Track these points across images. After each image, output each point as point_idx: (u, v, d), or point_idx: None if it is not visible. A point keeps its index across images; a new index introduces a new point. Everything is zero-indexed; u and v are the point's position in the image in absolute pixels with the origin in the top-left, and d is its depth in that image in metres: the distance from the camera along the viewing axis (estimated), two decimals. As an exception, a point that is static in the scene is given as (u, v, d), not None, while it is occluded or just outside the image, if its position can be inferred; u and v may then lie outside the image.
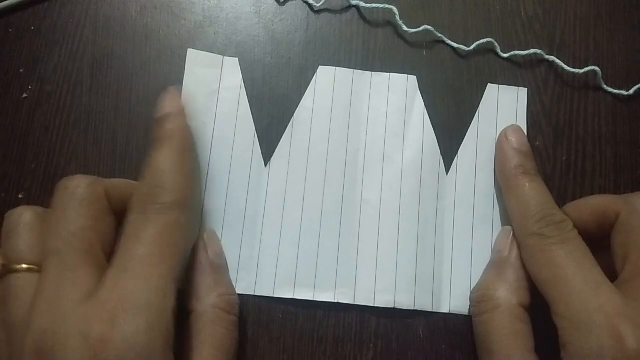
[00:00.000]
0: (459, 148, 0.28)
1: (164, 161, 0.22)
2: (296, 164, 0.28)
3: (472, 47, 0.29)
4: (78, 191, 0.22)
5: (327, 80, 0.29)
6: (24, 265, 0.21)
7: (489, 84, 0.29)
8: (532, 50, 0.29)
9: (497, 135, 0.28)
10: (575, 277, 0.21)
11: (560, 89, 0.29)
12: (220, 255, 0.26)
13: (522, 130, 0.27)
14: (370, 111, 0.28)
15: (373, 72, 0.29)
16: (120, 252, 0.21)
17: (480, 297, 0.24)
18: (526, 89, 0.29)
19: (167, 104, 0.25)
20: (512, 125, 0.28)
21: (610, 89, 0.29)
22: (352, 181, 0.27)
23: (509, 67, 0.29)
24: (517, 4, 0.30)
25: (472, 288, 0.26)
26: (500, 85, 0.29)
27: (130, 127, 0.28)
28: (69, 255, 0.20)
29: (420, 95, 0.29)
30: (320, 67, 0.29)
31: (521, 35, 0.30)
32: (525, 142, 0.27)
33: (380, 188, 0.27)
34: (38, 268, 0.21)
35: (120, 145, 0.28)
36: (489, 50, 0.29)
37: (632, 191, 0.28)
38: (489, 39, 0.29)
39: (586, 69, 0.29)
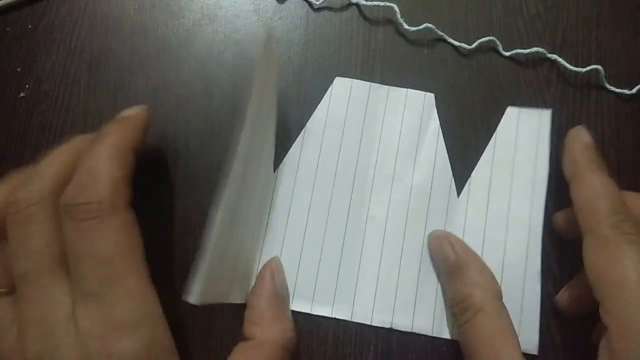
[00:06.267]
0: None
1: (96, 157, 0.21)
2: (304, 175, 0.27)
3: (473, 45, 0.29)
4: (30, 210, 0.20)
5: (343, 92, 0.28)
6: None
7: (508, 107, 0.28)
8: (534, 49, 0.29)
9: (515, 160, 0.27)
10: None
11: (562, 87, 0.29)
12: (285, 286, 0.26)
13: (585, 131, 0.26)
14: (384, 128, 0.28)
15: (390, 87, 0.28)
16: (79, 276, 0.19)
17: (460, 309, 0.24)
18: (550, 111, 0.28)
19: (126, 111, 0.24)
20: (580, 127, 0.26)
21: (612, 88, 0.29)
22: (359, 197, 0.27)
23: (510, 65, 0.29)
24: (519, 2, 0.30)
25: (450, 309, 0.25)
26: (520, 108, 0.28)
27: (128, 127, 0.28)
28: (41, 276, 0.20)
29: (436, 114, 0.28)
30: (336, 78, 0.28)
31: (523, 33, 0.30)
32: (594, 143, 0.26)
33: (387, 206, 0.27)
34: (5, 290, 0.20)
35: (118, 144, 0.28)
36: (490, 48, 0.29)
37: (635, 191, 0.27)
38: (490, 37, 0.29)
39: (589, 68, 0.28)
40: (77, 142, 0.23)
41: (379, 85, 0.28)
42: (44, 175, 0.21)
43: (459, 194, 0.27)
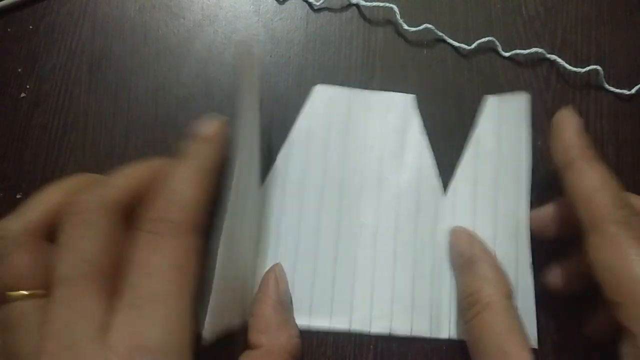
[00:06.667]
0: (457, 162, 0.27)
1: (179, 178, 0.21)
2: (292, 187, 0.27)
3: (473, 46, 0.29)
4: (90, 214, 0.19)
5: (323, 100, 0.28)
6: (24, 292, 0.19)
7: (486, 96, 0.28)
8: (534, 49, 0.29)
9: (498, 150, 0.27)
10: None
11: (561, 88, 0.29)
12: (288, 292, 0.25)
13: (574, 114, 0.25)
14: (367, 132, 0.28)
15: (370, 91, 0.28)
16: (129, 284, 0.19)
17: (468, 303, 0.23)
18: (528, 95, 0.27)
19: (204, 127, 0.23)
20: (568, 109, 0.25)
21: (612, 89, 0.29)
22: (348, 204, 0.27)
23: (510, 66, 0.29)
24: (518, 3, 0.30)
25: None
26: (499, 96, 0.28)
27: (129, 127, 0.28)
28: (81, 284, 0.18)
29: (418, 115, 0.28)
30: (316, 85, 0.28)
31: (522, 34, 0.30)
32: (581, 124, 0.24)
33: (376, 211, 0.27)
34: (42, 292, 0.19)
35: (119, 145, 0.28)
36: (490, 49, 0.29)
37: (635, 191, 0.27)
38: (490, 38, 0.29)
39: (588, 68, 0.29)
40: (155, 163, 0.22)
41: (359, 90, 0.28)
42: (112, 184, 0.21)
43: (445, 191, 0.27)
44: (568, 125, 0.24)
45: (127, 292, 0.19)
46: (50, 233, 0.20)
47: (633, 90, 0.29)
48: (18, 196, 0.27)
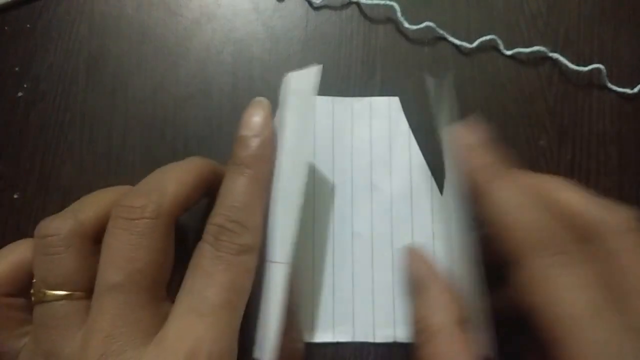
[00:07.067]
0: None
1: (242, 194, 0.20)
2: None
3: (474, 44, 0.29)
4: (144, 222, 0.19)
5: None
6: (63, 292, 0.19)
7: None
8: (536, 48, 0.28)
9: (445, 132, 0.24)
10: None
11: (564, 87, 0.29)
12: (295, 295, 0.25)
13: (471, 126, 0.22)
14: (354, 140, 0.27)
15: (353, 98, 0.28)
16: (189, 290, 0.19)
17: (417, 330, 0.22)
18: (450, 73, 0.23)
19: (254, 121, 0.21)
20: (461, 125, 0.23)
21: (614, 87, 0.29)
22: (341, 214, 0.26)
23: (512, 64, 0.29)
24: (520, 1, 0.30)
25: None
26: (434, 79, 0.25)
27: (126, 127, 0.28)
28: (132, 293, 0.18)
29: (404, 117, 0.28)
30: None
31: (524, 32, 0.29)
32: (482, 135, 0.22)
33: (370, 219, 0.26)
34: (81, 294, 0.19)
35: (116, 144, 0.28)
36: (491, 47, 0.29)
37: (638, 191, 0.27)
38: (491, 36, 0.29)
39: (590, 67, 0.28)
40: (197, 164, 0.22)
41: (342, 98, 0.28)
42: (164, 192, 0.20)
43: (442, 192, 0.27)
44: (462, 146, 0.22)
45: (188, 298, 0.19)
46: (98, 236, 0.20)
47: (636, 89, 0.28)
48: (15, 196, 0.27)
